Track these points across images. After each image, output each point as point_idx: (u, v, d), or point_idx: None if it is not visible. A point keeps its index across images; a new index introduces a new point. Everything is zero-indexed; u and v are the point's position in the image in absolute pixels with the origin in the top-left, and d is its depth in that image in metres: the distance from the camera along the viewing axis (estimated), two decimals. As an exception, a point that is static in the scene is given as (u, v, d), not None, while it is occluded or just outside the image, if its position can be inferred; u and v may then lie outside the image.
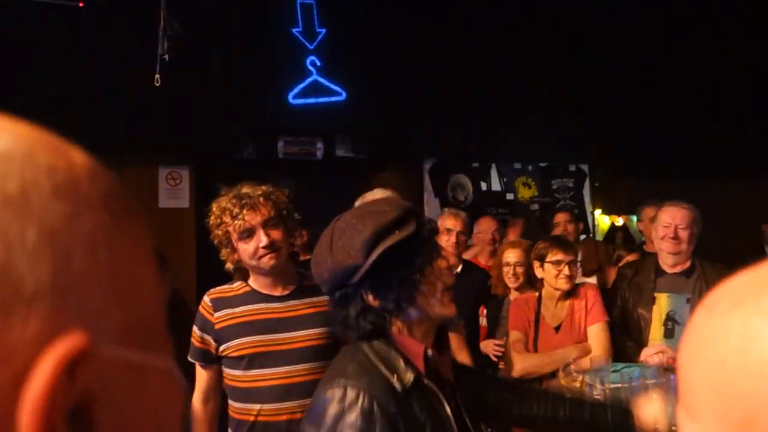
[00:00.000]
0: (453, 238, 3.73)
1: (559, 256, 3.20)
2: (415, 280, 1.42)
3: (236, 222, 2.21)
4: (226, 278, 2.47)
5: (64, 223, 0.33)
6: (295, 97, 6.01)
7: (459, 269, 3.79)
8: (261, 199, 2.24)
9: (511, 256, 3.72)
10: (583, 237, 6.15)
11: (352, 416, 1.30)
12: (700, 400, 0.41)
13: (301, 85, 6.02)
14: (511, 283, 3.71)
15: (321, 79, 6.06)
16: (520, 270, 3.67)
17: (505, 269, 3.72)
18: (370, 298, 1.43)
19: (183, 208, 5.74)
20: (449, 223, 3.77)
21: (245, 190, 2.28)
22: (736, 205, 7.25)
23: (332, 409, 1.32)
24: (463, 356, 2.76)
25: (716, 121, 7.29)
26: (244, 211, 2.20)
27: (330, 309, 1.55)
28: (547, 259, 3.23)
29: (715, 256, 4.52)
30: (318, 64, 6.10)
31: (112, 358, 0.33)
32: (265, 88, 5.88)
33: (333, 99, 6.05)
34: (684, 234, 3.18)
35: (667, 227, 3.19)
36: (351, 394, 1.32)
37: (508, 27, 6.59)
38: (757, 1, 6.96)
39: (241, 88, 5.68)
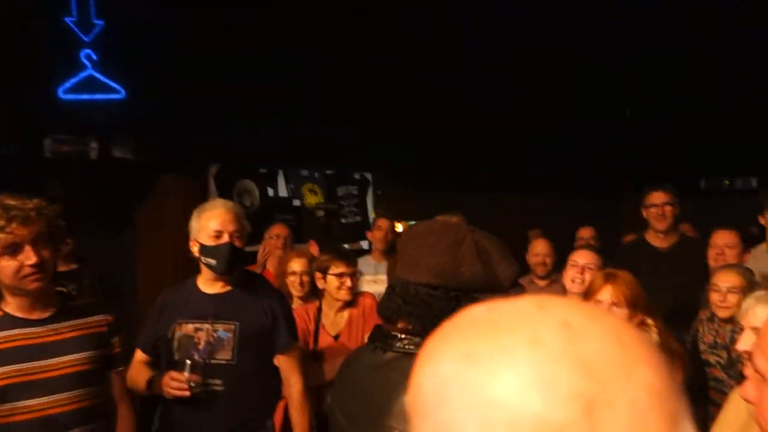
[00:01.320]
0: None
1: (342, 269, 3.31)
2: None
3: (2, 235, 1.97)
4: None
5: None
6: (67, 92, 5.55)
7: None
8: (33, 213, 2.02)
9: (297, 265, 3.76)
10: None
11: None
12: None
13: (74, 80, 5.58)
14: (296, 291, 3.74)
15: (97, 75, 5.66)
16: (305, 279, 3.72)
17: (291, 278, 3.75)
18: None
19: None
20: None
21: (11, 201, 2.05)
22: (505, 213, 8.01)
23: None
24: (295, 379, 2.69)
25: (487, 137, 7.99)
26: (14, 224, 1.97)
27: (423, 301, 1.42)
28: (330, 272, 3.33)
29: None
30: (94, 58, 5.69)
31: None
32: (33, 80, 5.35)
33: (110, 96, 5.69)
34: None
35: None
36: None
37: (298, 30, 6.67)
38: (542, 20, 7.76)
39: (4, 78, 5.12)
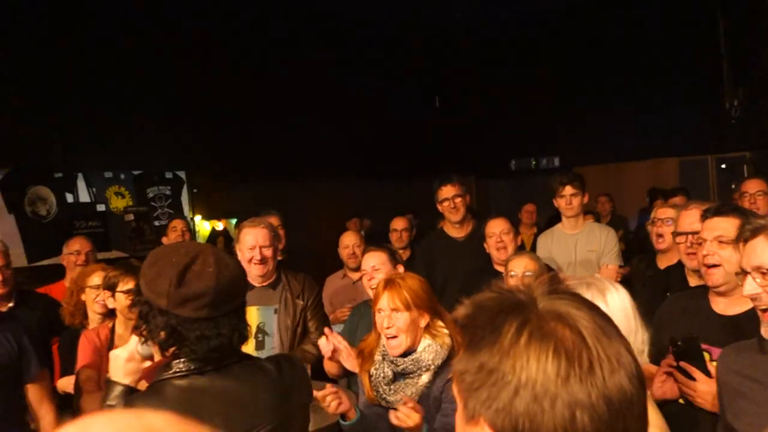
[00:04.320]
0: None
1: (131, 284, 3.03)
2: None
3: None
4: None
5: None
6: None
7: (12, 303, 3.37)
8: None
9: (100, 279, 3.38)
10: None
11: None
12: None
13: None
14: (99, 308, 3.37)
15: None
16: (109, 294, 3.35)
17: (93, 294, 3.37)
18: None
19: None
20: None
21: None
22: (322, 203, 8.00)
23: None
24: (45, 410, 2.49)
25: (303, 126, 7.90)
26: None
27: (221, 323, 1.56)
28: (119, 288, 3.04)
29: (304, 249, 4.89)
30: None
31: None
32: None
33: None
34: (268, 252, 3.30)
35: (252, 249, 3.27)
36: None
37: (92, 23, 6.14)
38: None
39: None
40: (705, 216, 2.19)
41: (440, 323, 2.38)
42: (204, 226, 7.40)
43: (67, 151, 6.00)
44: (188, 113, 6.78)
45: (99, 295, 3.33)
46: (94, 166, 6.30)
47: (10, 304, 3.36)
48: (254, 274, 3.33)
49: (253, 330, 3.35)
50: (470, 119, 9.34)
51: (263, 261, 3.29)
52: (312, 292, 3.46)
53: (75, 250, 4.09)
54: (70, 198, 6.12)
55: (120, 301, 3.04)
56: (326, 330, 3.06)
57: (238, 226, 7.15)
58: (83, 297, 3.42)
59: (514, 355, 0.72)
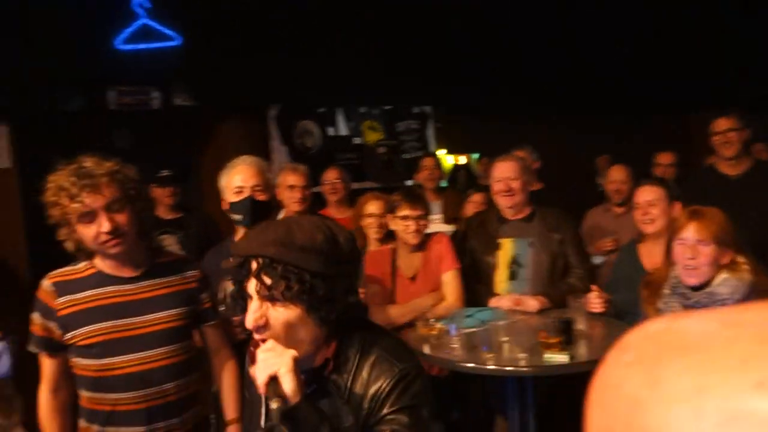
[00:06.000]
0: (298, 194, 3.68)
1: (406, 212, 3.25)
2: None
3: (74, 204, 1.95)
4: (62, 254, 2.19)
5: None
6: (124, 42, 5.53)
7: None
8: (104, 179, 1.98)
9: (374, 207, 3.68)
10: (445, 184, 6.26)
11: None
12: None
13: (129, 30, 5.55)
14: (374, 234, 3.67)
15: (151, 23, 5.62)
16: (384, 221, 3.62)
17: (369, 220, 3.67)
18: None
19: (2, 168, 5.18)
20: (291, 179, 3.71)
21: (87, 165, 2.00)
22: (570, 139, 7.78)
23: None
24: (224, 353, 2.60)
25: (543, 63, 7.68)
26: (84, 193, 1.95)
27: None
28: (397, 213, 3.29)
29: (553, 188, 4.85)
30: (147, 5, 5.64)
31: None
32: (88, 32, 5.35)
33: (167, 44, 5.64)
34: (516, 185, 3.35)
35: (500, 182, 3.35)
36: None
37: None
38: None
39: (60, 33, 5.13)
40: None
41: (741, 259, 2.26)
42: (447, 160, 7.61)
43: (328, 88, 6.46)
44: (434, 52, 6.92)
45: (374, 221, 3.62)
46: (351, 102, 6.72)
47: None
48: (502, 205, 3.40)
49: (508, 261, 3.44)
50: (724, 50, 8.40)
51: (509, 192, 3.35)
52: (569, 227, 3.43)
53: (326, 180, 4.57)
54: (331, 131, 6.62)
55: (397, 225, 3.29)
56: (594, 288, 3.05)
57: (480, 161, 7.29)
58: (362, 223, 3.73)
59: None
